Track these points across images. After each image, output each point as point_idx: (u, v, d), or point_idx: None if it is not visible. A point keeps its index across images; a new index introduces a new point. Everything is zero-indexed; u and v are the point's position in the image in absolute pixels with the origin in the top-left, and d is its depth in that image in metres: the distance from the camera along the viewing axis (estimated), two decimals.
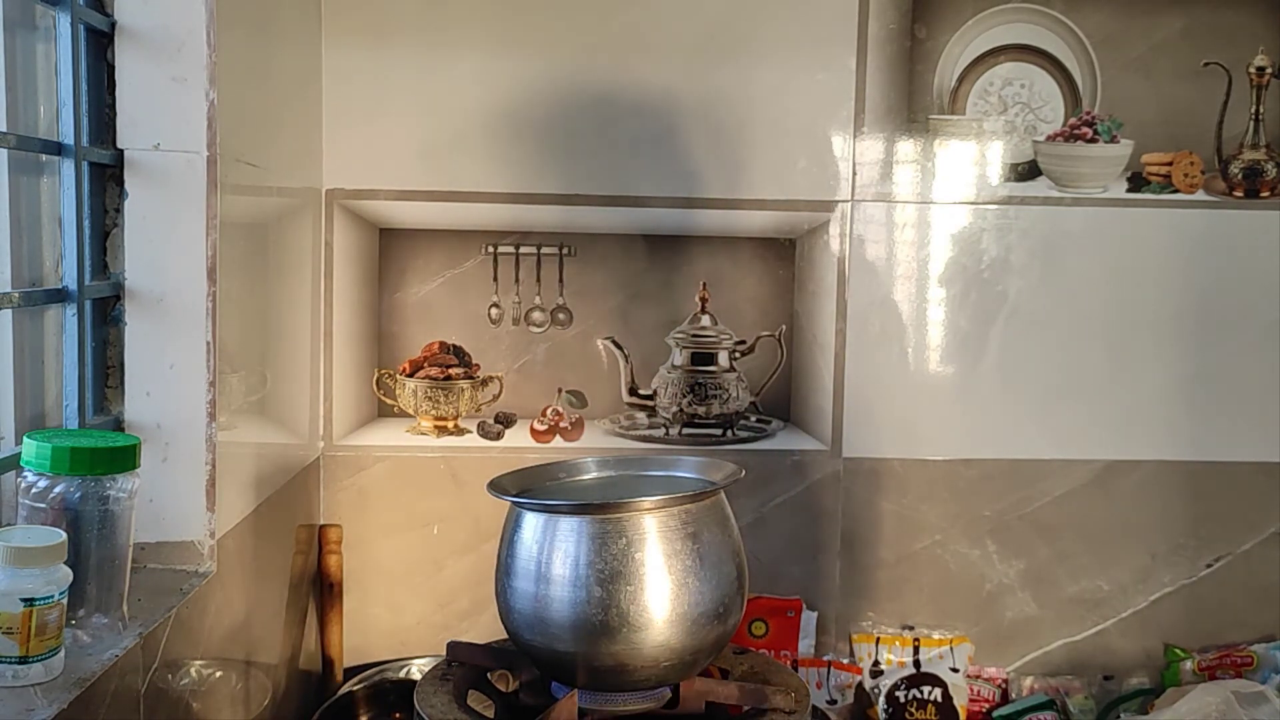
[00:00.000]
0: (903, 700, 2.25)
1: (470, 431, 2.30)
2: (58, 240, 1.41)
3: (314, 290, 2.18)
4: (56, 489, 1.17)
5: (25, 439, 1.19)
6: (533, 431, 2.30)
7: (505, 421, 2.30)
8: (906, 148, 2.31)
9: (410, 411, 2.28)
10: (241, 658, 1.69)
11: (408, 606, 2.29)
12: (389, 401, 2.28)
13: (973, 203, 2.33)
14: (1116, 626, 2.39)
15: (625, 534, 1.34)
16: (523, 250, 2.27)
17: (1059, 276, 2.34)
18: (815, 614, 2.34)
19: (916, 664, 2.32)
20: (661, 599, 1.34)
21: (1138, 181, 2.34)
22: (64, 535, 1.11)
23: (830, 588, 2.35)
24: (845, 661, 2.34)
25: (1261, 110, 2.33)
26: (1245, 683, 2.25)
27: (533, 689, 1.47)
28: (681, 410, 2.31)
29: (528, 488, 1.50)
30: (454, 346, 2.28)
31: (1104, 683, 2.38)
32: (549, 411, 2.30)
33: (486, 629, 2.19)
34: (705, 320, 2.30)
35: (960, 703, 2.27)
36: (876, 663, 2.33)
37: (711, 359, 2.31)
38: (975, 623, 2.37)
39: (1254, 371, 2.37)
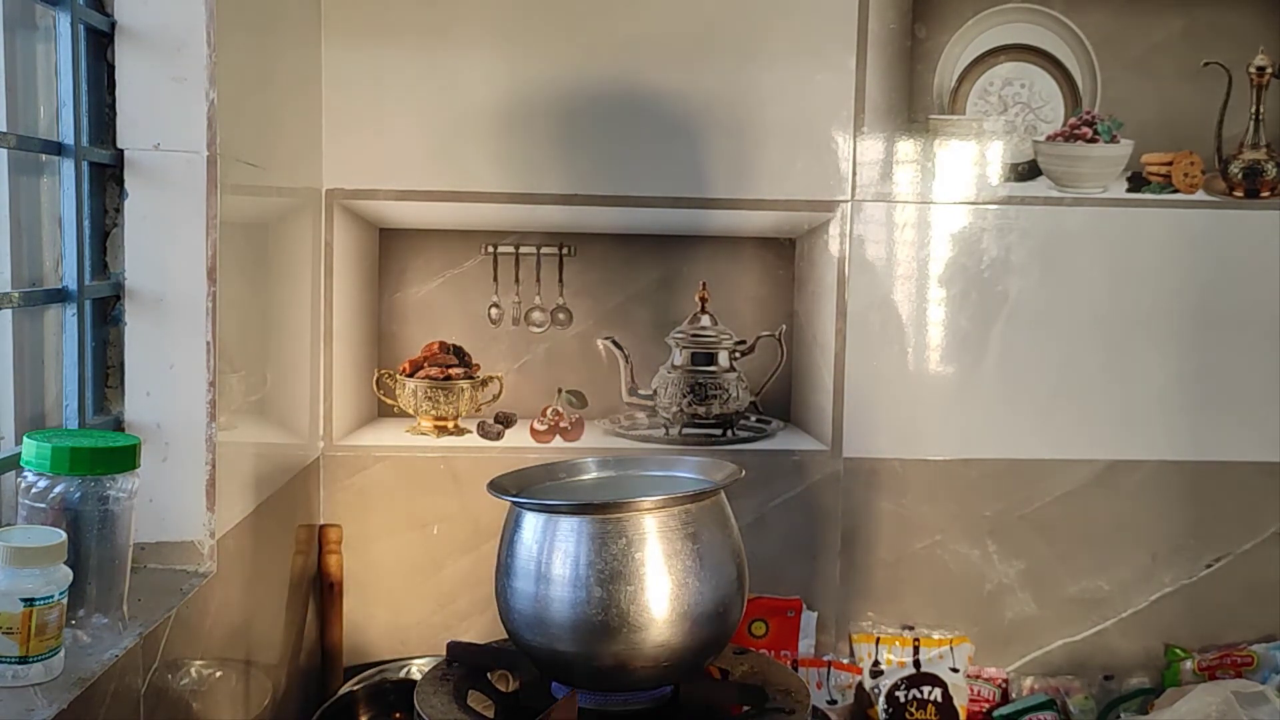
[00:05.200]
0: (903, 700, 2.25)
1: (470, 431, 2.30)
2: (58, 240, 1.41)
3: (314, 290, 2.18)
4: (56, 489, 1.17)
5: (25, 439, 1.19)
6: (533, 431, 2.30)
7: (505, 421, 2.30)
8: (906, 148, 2.31)
9: (410, 411, 2.28)
10: (241, 658, 1.69)
11: (408, 606, 2.29)
12: (389, 401, 2.28)
13: (973, 203, 2.33)
14: (1117, 626, 2.39)
15: (625, 534, 1.34)
16: (523, 250, 2.27)
17: (1059, 276, 2.34)
18: (815, 614, 2.34)
19: (916, 664, 2.32)
20: (661, 599, 1.34)
21: (1138, 181, 2.34)
22: (64, 535, 1.11)
23: (830, 588, 2.35)
24: (845, 661, 2.34)
25: (1261, 110, 2.33)
26: (1245, 683, 2.25)
27: (533, 689, 1.47)
28: (681, 410, 2.31)
29: (528, 488, 1.50)
30: (454, 346, 2.28)
31: (1104, 683, 2.38)
32: (549, 411, 2.30)
33: (486, 629, 2.20)
34: (705, 320, 2.30)
35: (960, 703, 2.27)
36: (876, 663, 2.33)
37: (711, 359, 2.31)
38: (975, 623, 2.37)
39: (1254, 371, 2.37)
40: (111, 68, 1.45)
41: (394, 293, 2.26)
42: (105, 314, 1.47)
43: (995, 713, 2.32)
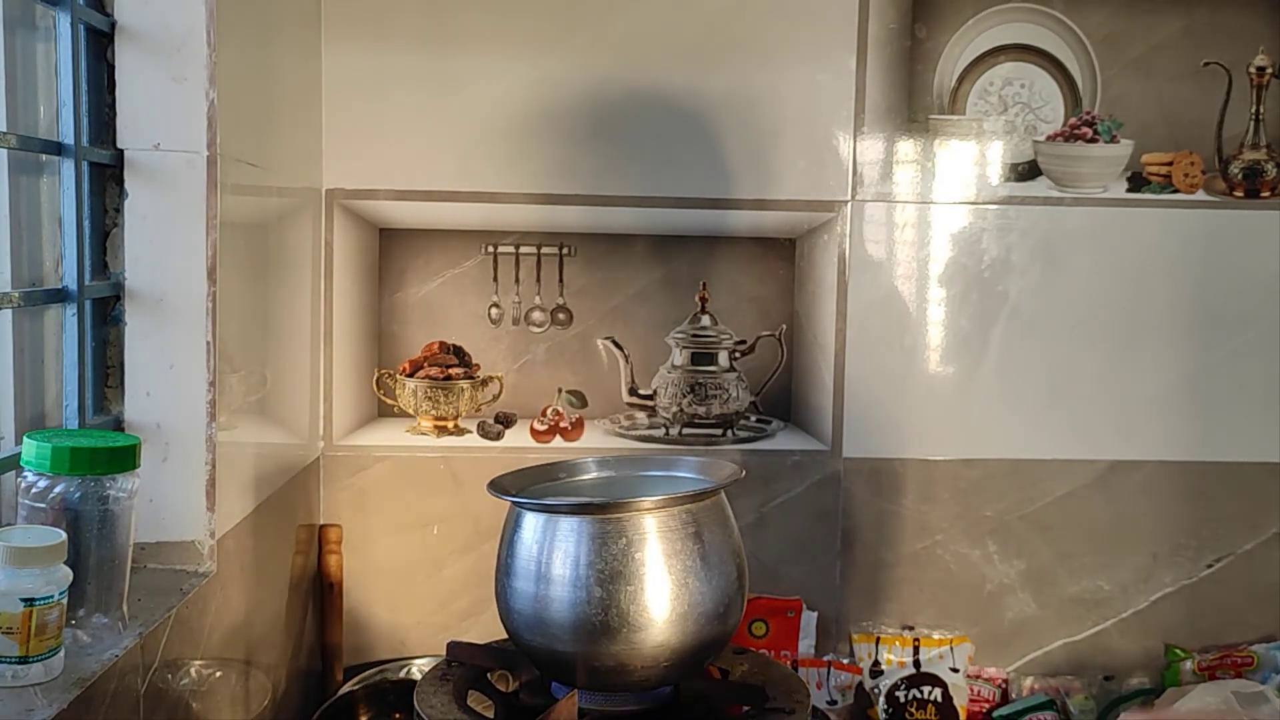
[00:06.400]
0: (903, 700, 2.25)
1: (470, 431, 2.30)
2: (58, 240, 1.41)
3: (314, 290, 2.18)
4: (56, 489, 1.17)
5: (25, 439, 1.19)
6: (533, 431, 2.30)
7: (505, 421, 2.29)
8: (906, 148, 2.31)
9: (410, 411, 2.28)
10: (241, 658, 1.69)
11: (408, 606, 2.29)
12: (389, 401, 2.28)
13: (973, 203, 2.33)
14: (1117, 626, 2.39)
15: (625, 534, 1.34)
16: (523, 250, 2.27)
17: (1059, 276, 2.34)
18: (815, 614, 2.34)
19: (916, 664, 2.32)
20: (662, 599, 1.34)
21: (1138, 181, 2.34)
22: (64, 535, 1.11)
23: (830, 588, 2.35)
24: (845, 661, 2.34)
25: (1261, 110, 2.33)
26: (1245, 683, 2.25)
27: (533, 689, 1.47)
28: (681, 410, 2.31)
29: (527, 488, 1.50)
30: (454, 346, 2.28)
31: (1104, 683, 2.38)
32: (549, 411, 2.30)
33: (486, 629, 2.19)
34: (705, 320, 2.30)
35: (960, 703, 2.27)
36: (876, 663, 2.33)
37: (711, 359, 2.31)
38: (975, 623, 2.37)
39: (1254, 371, 2.37)
40: (111, 68, 1.45)
41: (394, 293, 2.26)
42: (105, 314, 1.47)
43: (995, 713, 2.32)
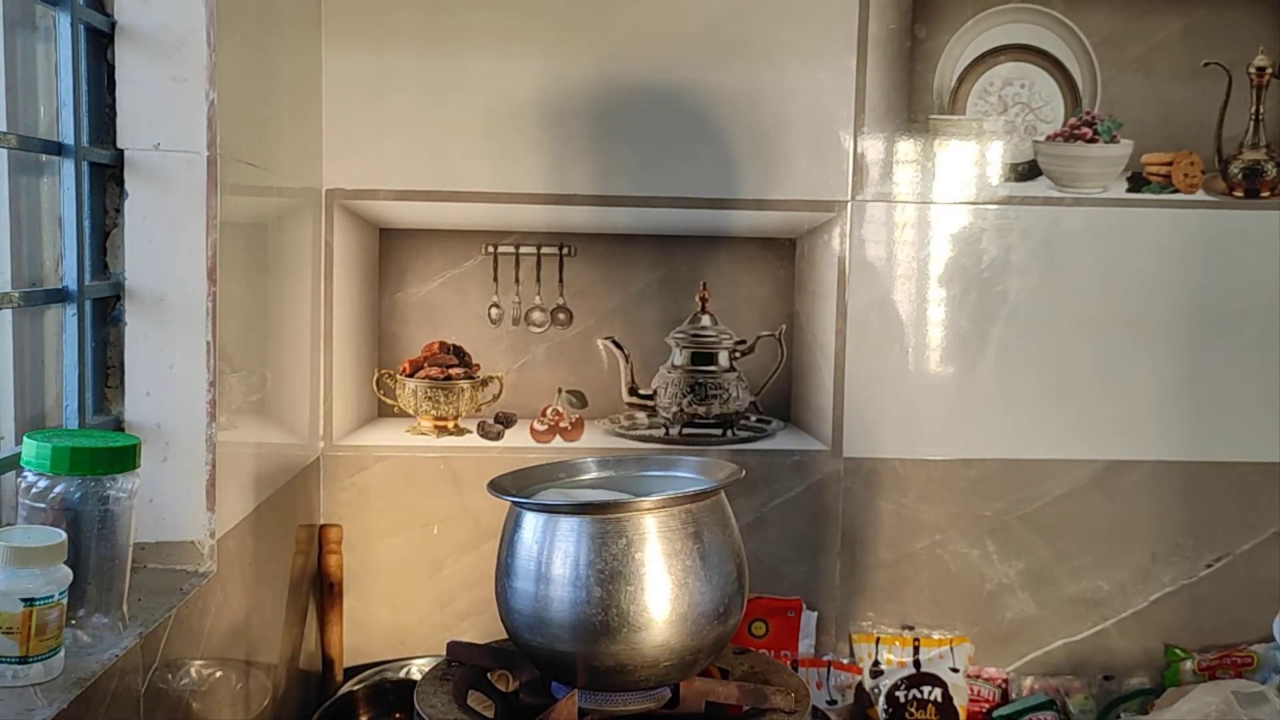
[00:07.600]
0: (903, 700, 2.25)
1: (470, 431, 2.30)
2: (58, 240, 1.42)
3: (314, 290, 2.18)
4: (56, 489, 1.17)
5: (25, 439, 1.19)
6: (533, 431, 2.30)
7: (505, 421, 2.30)
8: (906, 148, 2.31)
9: (410, 411, 2.28)
10: (241, 658, 1.69)
11: (408, 606, 2.29)
12: (389, 401, 2.28)
13: (973, 203, 2.33)
14: (1116, 626, 2.39)
15: (625, 534, 1.34)
16: (523, 250, 2.27)
17: (1059, 276, 2.34)
18: (815, 614, 2.34)
19: (916, 664, 2.32)
20: (662, 599, 1.34)
21: (1138, 181, 2.34)
22: (64, 535, 1.11)
23: (830, 588, 2.35)
24: (845, 661, 2.34)
25: (1261, 110, 2.33)
26: (1245, 683, 2.25)
27: (533, 689, 1.47)
28: (681, 410, 2.31)
29: (527, 488, 1.50)
30: (454, 346, 2.28)
31: (1104, 683, 2.38)
32: (549, 411, 2.30)
33: (486, 629, 2.20)
34: (705, 320, 2.30)
35: (960, 703, 2.27)
36: (876, 663, 2.33)
37: (711, 359, 2.31)
38: (975, 623, 2.37)
39: (1254, 371, 2.37)
40: (111, 68, 1.45)
41: (394, 293, 2.27)
42: (105, 314, 1.47)
43: (995, 713, 2.32)
